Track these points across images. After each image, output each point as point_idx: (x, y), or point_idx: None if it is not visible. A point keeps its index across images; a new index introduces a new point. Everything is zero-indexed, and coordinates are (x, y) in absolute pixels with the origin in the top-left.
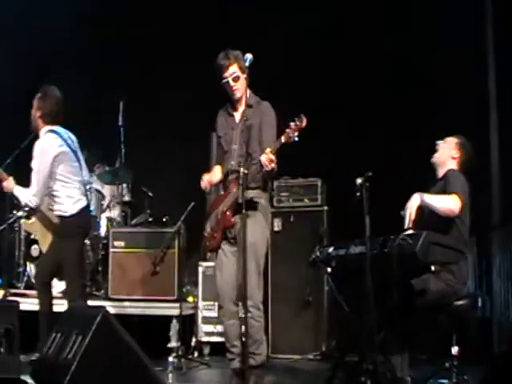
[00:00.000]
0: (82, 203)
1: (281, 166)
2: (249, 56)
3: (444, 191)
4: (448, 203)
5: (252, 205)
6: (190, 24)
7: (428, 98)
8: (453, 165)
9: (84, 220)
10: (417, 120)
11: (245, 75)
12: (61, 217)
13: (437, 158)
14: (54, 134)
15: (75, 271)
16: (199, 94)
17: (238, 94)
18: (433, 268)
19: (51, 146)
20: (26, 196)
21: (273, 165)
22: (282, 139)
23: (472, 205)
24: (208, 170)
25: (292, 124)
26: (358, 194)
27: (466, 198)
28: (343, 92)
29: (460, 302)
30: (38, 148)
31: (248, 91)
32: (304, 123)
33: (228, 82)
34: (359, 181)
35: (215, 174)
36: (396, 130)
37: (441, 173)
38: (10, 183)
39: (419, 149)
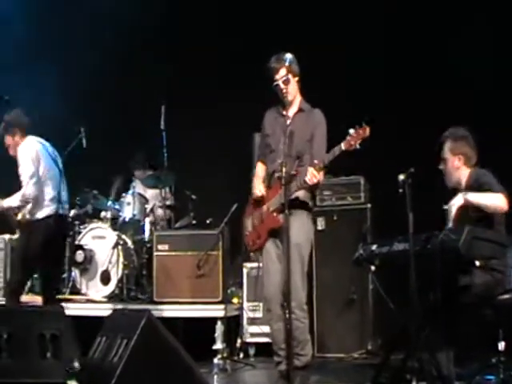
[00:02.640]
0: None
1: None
2: (288, 56)
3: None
4: (497, 201)
5: (297, 204)
6: (232, 25)
7: (470, 96)
8: (463, 172)
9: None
10: (460, 116)
11: (296, 78)
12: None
13: (443, 170)
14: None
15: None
16: (241, 96)
17: (289, 97)
18: (477, 263)
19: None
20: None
21: (314, 180)
22: (343, 146)
23: None
24: (250, 171)
25: (353, 132)
26: (400, 190)
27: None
28: (386, 89)
29: (506, 296)
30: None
31: (300, 97)
32: (367, 133)
33: (278, 84)
34: (401, 177)
35: (259, 174)
36: (438, 126)
37: (450, 183)
38: None
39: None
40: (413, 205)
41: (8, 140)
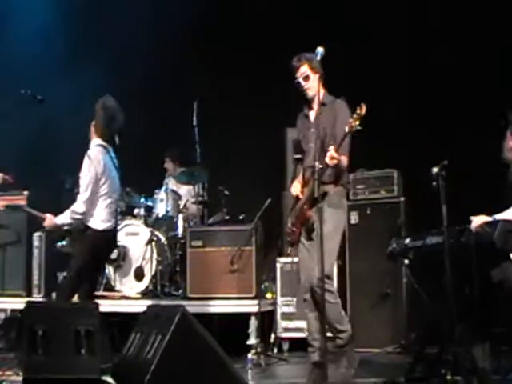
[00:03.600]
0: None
1: (355, 159)
2: (320, 50)
3: None
4: None
5: (324, 198)
6: (265, 21)
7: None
8: None
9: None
10: (493, 108)
11: (317, 75)
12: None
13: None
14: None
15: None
16: (273, 92)
17: (310, 93)
18: (511, 256)
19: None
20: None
21: (335, 161)
22: (346, 129)
23: None
24: (282, 166)
25: (354, 114)
26: (434, 183)
27: None
28: (419, 83)
29: None
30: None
31: (322, 91)
32: (363, 111)
33: (299, 82)
34: (435, 170)
35: (297, 173)
36: (471, 119)
37: None
38: (49, 221)
39: (495, 137)
40: (447, 197)
41: None
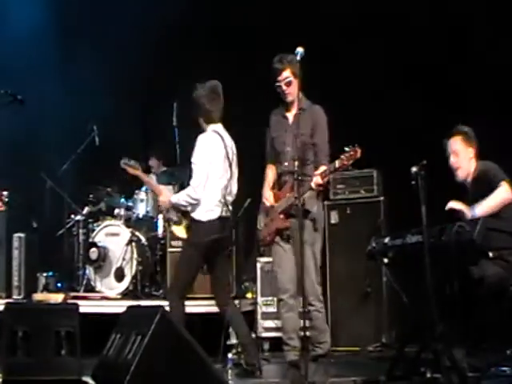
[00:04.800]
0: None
1: (335, 159)
2: (300, 50)
3: (490, 188)
4: (500, 197)
5: (305, 214)
6: (249, 22)
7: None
8: (473, 162)
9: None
10: (472, 108)
11: (298, 79)
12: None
13: (454, 163)
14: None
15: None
16: (254, 93)
17: (289, 98)
18: (490, 254)
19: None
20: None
21: (320, 188)
22: (337, 164)
23: None
24: (263, 166)
25: (346, 152)
26: (413, 182)
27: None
28: (398, 82)
29: None
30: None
31: (300, 94)
32: (358, 154)
33: (280, 86)
34: (414, 169)
35: (269, 178)
36: (451, 119)
37: (462, 175)
38: (165, 196)
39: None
40: (426, 197)
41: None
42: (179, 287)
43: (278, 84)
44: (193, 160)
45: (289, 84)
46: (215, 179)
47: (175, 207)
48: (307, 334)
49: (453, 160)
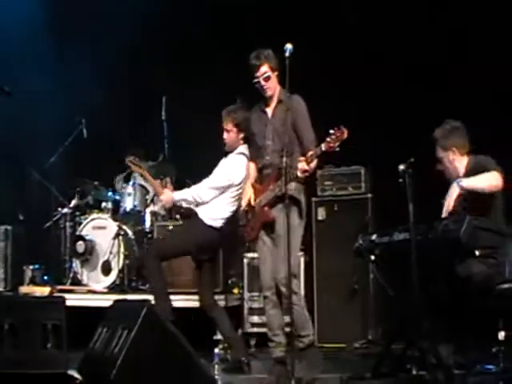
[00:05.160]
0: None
1: (323, 155)
2: (288, 46)
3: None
4: (490, 179)
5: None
6: (228, 19)
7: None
8: (461, 161)
9: None
10: (459, 105)
11: (276, 73)
12: None
13: (440, 168)
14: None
15: None
16: (240, 88)
17: (268, 93)
18: (477, 253)
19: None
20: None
21: (306, 174)
22: (323, 147)
23: None
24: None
25: (332, 134)
26: (400, 180)
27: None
28: (385, 79)
29: (505, 286)
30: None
31: (278, 87)
32: (345, 135)
33: (259, 81)
34: (402, 167)
35: (250, 174)
36: (438, 116)
37: (451, 176)
38: (167, 195)
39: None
40: (414, 195)
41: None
42: (160, 249)
43: (256, 80)
44: (221, 170)
45: (267, 79)
46: (229, 199)
47: (176, 206)
48: (288, 329)
49: (439, 168)
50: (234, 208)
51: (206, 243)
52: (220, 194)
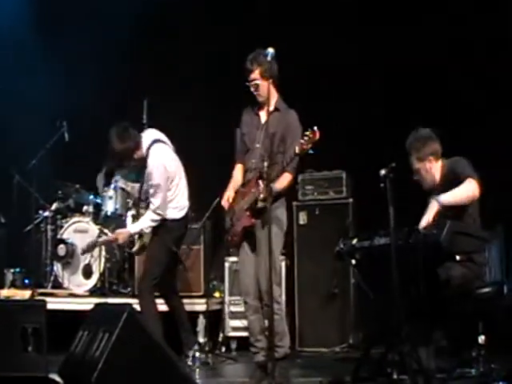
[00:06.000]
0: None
1: (305, 160)
2: (270, 50)
3: (457, 183)
4: (467, 191)
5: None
6: (217, 21)
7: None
8: (436, 167)
9: None
10: (439, 111)
11: (269, 81)
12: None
13: (417, 180)
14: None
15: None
16: (223, 92)
17: (260, 99)
18: (457, 257)
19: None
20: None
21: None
22: (297, 149)
23: (497, 191)
24: (232, 166)
25: (305, 135)
26: (382, 185)
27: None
28: (368, 84)
29: (485, 290)
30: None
31: (276, 95)
32: (317, 136)
33: (250, 87)
34: (383, 172)
35: (237, 177)
36: (420, 120)
37: (428, 186)
38: (120, 235)
39: (444, 139)
40: (394, 199)
41: None
42: (150, 276)
43: (247, 84)
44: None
45: (256, 87)
46: (177, 189)
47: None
48: (266, 334)
49: (416, 178)
50: (187, 193)
51: (179, 235)
52: (167, 191)
